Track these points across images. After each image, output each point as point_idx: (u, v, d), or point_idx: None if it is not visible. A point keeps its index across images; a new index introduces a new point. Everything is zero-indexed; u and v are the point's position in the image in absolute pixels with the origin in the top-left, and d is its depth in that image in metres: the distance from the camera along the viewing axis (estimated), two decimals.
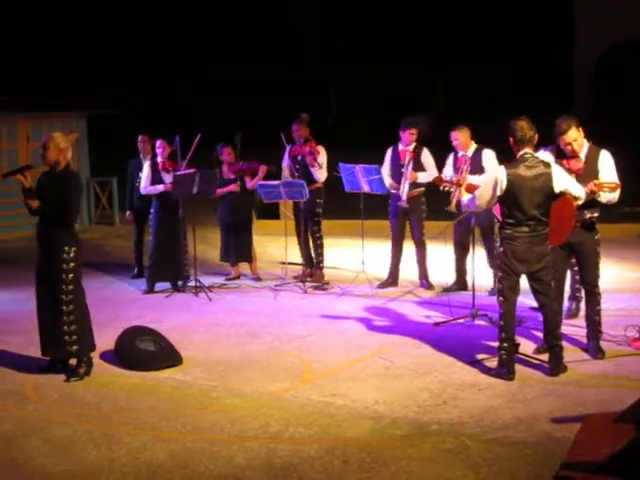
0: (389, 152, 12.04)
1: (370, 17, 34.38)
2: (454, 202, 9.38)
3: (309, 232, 12.66)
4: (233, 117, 26.47)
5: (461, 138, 11.18)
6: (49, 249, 8.27)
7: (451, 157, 11.39)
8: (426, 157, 11.84)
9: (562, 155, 8.41)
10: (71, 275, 8.25)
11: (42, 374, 8.45)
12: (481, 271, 10.95)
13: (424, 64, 33.77)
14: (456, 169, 10.93)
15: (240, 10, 36.10)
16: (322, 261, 12.69)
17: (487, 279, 11.24)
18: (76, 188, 8.40)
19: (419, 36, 34.06)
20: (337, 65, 34.74)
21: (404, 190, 11.68)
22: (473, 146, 11.24)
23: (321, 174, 12.29)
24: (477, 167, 10.81)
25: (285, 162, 12.62)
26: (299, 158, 12.34)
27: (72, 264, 8.24)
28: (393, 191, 11.82)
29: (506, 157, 8.38)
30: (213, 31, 36.08)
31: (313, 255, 12.70)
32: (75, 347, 8.33)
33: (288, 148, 12.56)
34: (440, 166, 11.69)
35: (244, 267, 12.98)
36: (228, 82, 35.30)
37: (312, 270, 12.80)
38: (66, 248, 8.21)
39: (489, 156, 10.97)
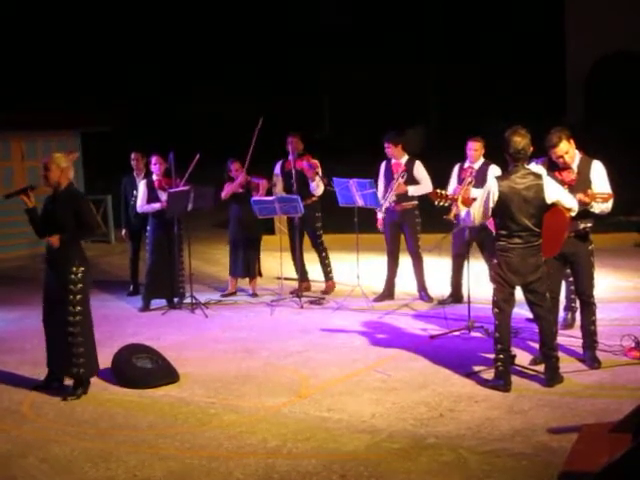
0: (382, 166, 12.10)
1: (364, 25, 34.49)
2: (454, 211, 9.38)
3: (314, 247, 12.76)
4: (224, 131, 26.53)
5: (478, 149, 11.21)
6: (57, 269, 8.28)
7: (456, 168, 11.39)
8: (418, 171, 11.87)
9: (554, 167, 8.43)
10: (79, 297, 8.25)
11: (38, 392, 8.43)
12: (479, 283, 10.99)
13: (417, 72, 33.95)
14: (460, 180, 10.95)
15: (232, 23, 36.23)
16: (331, 272, 12.80)
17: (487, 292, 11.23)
18: (87, 203, 8.49)
19: (413, 45, 34.19)
20: (330, 78, 34.87)
21: (387, 199, 11.73)
22: (481, 160, 11.26)
23: (320, 188, 12.35)
24: (481, 181, 10.75)
25: (277, 172, 12.70)
26: (293, 172, 12.38)
27: (80, 285, 8.25)
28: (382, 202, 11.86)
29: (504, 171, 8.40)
30: (206, 46, 36.21)
31: (321, 268, 12.77)
32: (81, 370, 8.32)
33: (280, 162, 12.60)
34: (441, 177, 11.71)
35: (242, 282, 12.99)
36: (220, 96, 35.39)
37: (308, 284, 12.84)
38: (74, 269, 8.22)
39: (495, 172, 10.77)
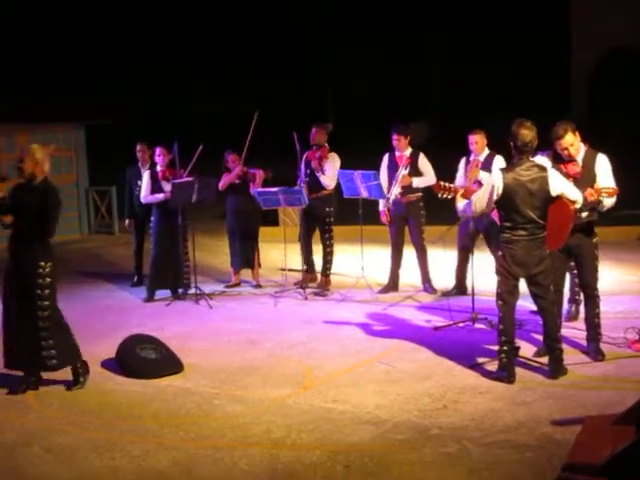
0: (385, 158, 12.08)
1: (367, 20, 34.46)
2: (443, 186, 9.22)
3: (321, 240, 12.59)
4: (228, 124, 26.53)
5: (479, 142, 11.24)
6: (23, 265, 8.09)
7: (463, 161, 11.44)
8: (423, 163, 11.89)
9: (559, 159, 8.44)
10: (47, 291, 8.10)
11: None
12: (483, 275, 10.98)
13: (422, 65, 33.93)
14: (467, 169, 11.08)
15: (237, 17, 36.22)
16: (330, 269, 12.60)
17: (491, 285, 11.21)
18: (55, 202, 8.21)
19: (417, 38, 34.17)
20: (334, 70, 34.88)
21: (392, 192, 11.73)
22: (486, 151, 11.29)
23: (327, 181, 12.21)
24: (487, 172, 10.83)
25: (301, 169, 12.46)
26: (304, 163, 12.34)
27: (48, 279, 8.10)
28: (388, 196, 11.83)
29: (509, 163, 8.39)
30: (210, 38, 36.20)
31: (322, 262, 12.62)
32: (54, 361, 8.20)
33: (305, 154, 12.48)
34: (444, 169, 11.71)
35: (245, 274, 13.00)
36: (224, 89, 35.40)
37: (313, 275, 12.80)
38: (42, 263, 8.05)
39: (500, 163, 10.85)
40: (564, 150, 8.36)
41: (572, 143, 8.35)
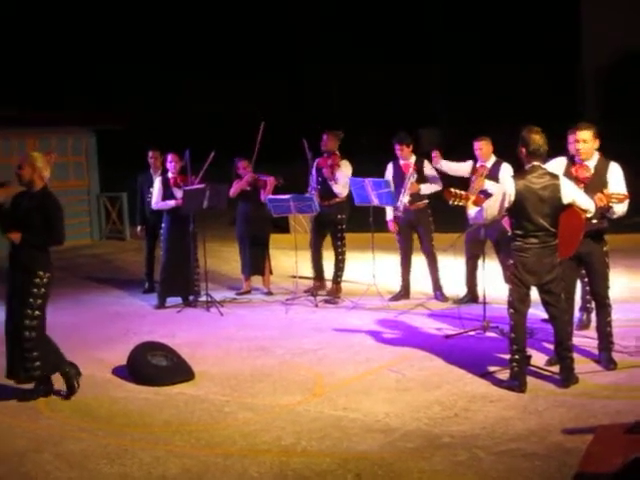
0: (390, 167, 12.07)
1: (370, 20, 34.53)
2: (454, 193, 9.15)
3: (333, 247, 12.59)
4: (235, 128, 26.67)
5: (484, 148, 11.25)
6: (22, 272, 8.07)
7: (469, 164, 11.45)
8: (428, 169, 11.89)
9: (572, 162, 8.44)
10: (39, 301, 8.06)
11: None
12: (494, 283, 10.97)
13: (427, 67, 33.98)
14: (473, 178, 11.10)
15: (241, 18, 36.33)
16: (341, 276, 12.60)
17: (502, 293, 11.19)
18: (55, 207, 8.16)
19: (423, 39, 34.21)
20: (338, 73, 34.94)
21: (402, 200, 11.73)
22: (493, 158, 11.30)
23: (339, 189, 12.21)
24: (494, 179, 10.85)
25: (312, 176, 12.45)
26: (315, 170, 12.35)
27: (43, 290, 8.06)
28: (399, 204, 11.83)
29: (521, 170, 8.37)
30: (211, 38, 36.33)
31: (333, 269, 12.60)
32: (37, 372, 8.17)
33: (316, 161, 12.48)
34: (452, 176, 11.71)
35: (256, 281, 13.00)
36: (230, 92, 35.49)
37: (323, 283, 12.79)
38: (40, 273, 8.03)
39: (506, 170, 10.93)
40: (575, 142, 8.36)
41: (586, 140, 8.33)
